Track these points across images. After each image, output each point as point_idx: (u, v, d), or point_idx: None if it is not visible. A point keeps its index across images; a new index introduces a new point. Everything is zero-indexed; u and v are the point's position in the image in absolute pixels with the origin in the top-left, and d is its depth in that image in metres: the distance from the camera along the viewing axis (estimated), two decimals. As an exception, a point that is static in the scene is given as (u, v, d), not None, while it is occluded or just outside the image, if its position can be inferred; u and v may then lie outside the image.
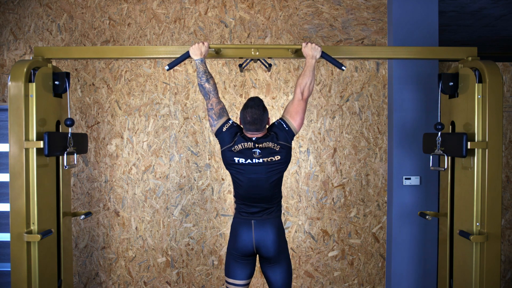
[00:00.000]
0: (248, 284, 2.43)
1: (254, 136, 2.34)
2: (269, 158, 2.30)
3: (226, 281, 2.42)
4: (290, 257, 2.49)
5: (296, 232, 3.51)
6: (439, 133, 2.53)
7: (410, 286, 3.41)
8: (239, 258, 2.37)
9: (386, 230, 3.50)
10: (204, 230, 3.52)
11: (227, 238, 3.46)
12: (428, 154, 2.67)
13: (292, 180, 3.51)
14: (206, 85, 2.36)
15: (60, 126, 2.66)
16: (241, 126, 2.38)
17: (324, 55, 2.47)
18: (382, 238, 3.52)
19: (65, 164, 2.56)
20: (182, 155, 3.51)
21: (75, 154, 2.59)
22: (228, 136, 2.34)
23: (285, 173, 3.39)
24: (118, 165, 3.50)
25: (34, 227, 2.39)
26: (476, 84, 2.40)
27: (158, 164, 3.51)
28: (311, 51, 2.42)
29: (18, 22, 3.54)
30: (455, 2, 3.80)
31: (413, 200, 3.38)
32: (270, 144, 2.31)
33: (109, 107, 3.51)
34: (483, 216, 2.37)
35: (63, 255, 2.66)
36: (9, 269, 2.45)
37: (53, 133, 2.44)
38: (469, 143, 2.35)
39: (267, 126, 2.41)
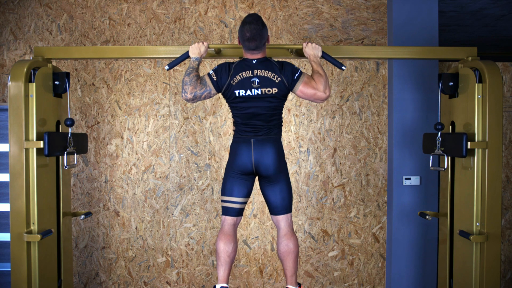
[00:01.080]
0: (245, 203, 2.39)
1: (254, 57, 2.31)
2: (267, 89, 2.26)
3: (222, 200, 2.37)
4: (289, 178, 2.46)
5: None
6: (439, 133, 2.53)
7: (410, 286, 3.41)
8: (238, 175, 2.34)
9: (386, 230, 3.51)
10: (204, 230, 3.52)
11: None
12: (428, 154, 2.67)
13: (292, 180, 3.51)
14: (186, 78, 2.32)
15: (60, 126, 2.66)
16: (240, 45, 2.34)
17: (324, 55, 2.47)
18: (382, 238, 3.52)
19: (65, 164, 2.56)
20: (182, 155, 3.51)
21: (75, 154, 2.59)
22: (223, 76, 2.30)
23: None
24: (118, 165, 3.51)
25: (34, 227, 2.39)
26: (476, 84, 2.40)
27: (158, 164, 3.51)
28: (312, 50, 2.41)
29: (18, 22, 3.54)
30: (455, 2, 3.80)
31: (413, 200, 3.38)
32: (270, 74, 2.27)
33: (109, 107, 3.51)
34: (483, 216, 2.37)
35: (63, 255, 2.66)
36: (9, 269, 2.45)
37: (53, 133, 2.44)
38: (469, 143, 2.35)
39: (280, 63, 2.34)
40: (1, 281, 3.58)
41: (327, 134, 3.51)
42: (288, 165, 3.48)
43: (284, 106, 2.42)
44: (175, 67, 3.24)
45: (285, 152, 3.40)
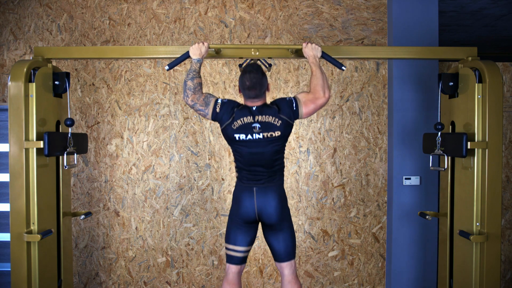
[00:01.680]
0: (248, 251, 2.40)
1: (254, 105, 2.31)
2: (269, 134, 2.27)
3: (226, 248, 2.39)
4: (293, 224, 2.47)
5: (296, 232, 3.51)
6: (439, 133, 2.53)
7: (410, 286, 3.41)
8: (241, 224, 2.35)
9: (386, 230, 3.50)
10: (204, 230, 3.52)
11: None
12: (428, 154, 2.67)
13: (292, 180, 3.51)
14: (189, 82, 2.33)
15: (60, 126, 2.66)
16: (240, 93, 2.36)
17: (324, 55, 2.47)
18: (382, 238, 3.52)
19: (65, 164, 2.56)
20: (182, 155, 3.51)
21: (75, 154, 2.59)
22: (225, 113, 2.31)
23: (285, 173, 3.39)
24: (118, 165, 3.51)
25: (34, 227, 2.39)
26: (476, 84, 2.40)
27: (158, 164, 3.51)
28: (312, 51, 2.42)
29: (18, 22, 3.54)
30: (455, 2, 3.80)
31: (413, 200, 3.38)
32: (271, 118, 2.28)
33: (109, 107, 3.51)
34: (483, 216, 2.37)
35: (63, 255, 2.66)
36: (9, 269, 2.45)
37: (53, 133, 2.44)
38: (469, 143, 2.35)
39: (274, 100, 2.38)
40: (1, 281, 3.58)
41: (327, 134, 3.51)
42: (288, 165, 3.49)
43: (285, 148, 2.43)
44: (175, 67, 3.24)
45: (285, 152, 3.41)
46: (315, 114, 3.50)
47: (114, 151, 3.50)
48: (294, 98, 2.34)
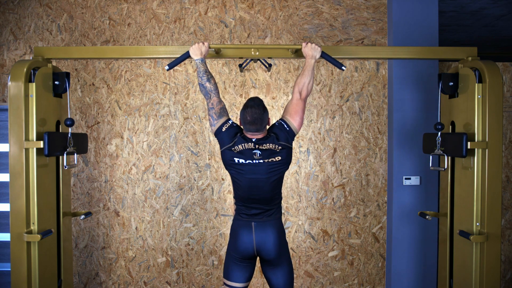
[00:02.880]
0: (246, 287, 2.41)
1: (254, 137, 2.33)
2: (270, 159, 2.29)
3: (225, 283, 2.40)
4: (290, 257, 2.48)
5: (296, 232, 3.51)
6: (439, 133, 2.53)
7: (410, 286, 3.41)
8: (239, 260, 2.35)
9: (386, 230, 3.50)
10: (204, 230, 3.52)
11: (227, 238, 3.46)
12: (428, 154, 2.67)
13: (292, 180, 3.51)
14: (207, 84, 2.36)
15: (60, 126, 2.66)
16: (241, 126, 2.37)
17: (324, 55, 2.47)
18: (382, 238, 3.52)
19: (65, 164, 2.56)
20: (182, 155, 3.51)
21: (75, 154, 2.59)
22: (227, 136, 2.33)
23: (285, 173, 3.38)
24: (118, 165, 3.50)
25: (34, 227, 2.39)
26: (476, 84, 2.40)
27: (158, 164, 3.51)
28: (311, 51, 2.42)
29: (18, 22, 3.54)
30: (455, 2, 3.80)
31: (413, 200, 3.38)
32: (271, 146, 2.30)
33: (109, 107, 3.51)
34: (483, 216, 2.37)
35: (63, 255, 2.66)
36: (9, 269, 2.45)
37: (53, 133, 2.44)
38: (469, 143, 2.35)
39: (267, 127, 2.40)
40: (1, 281, 3.58)
41: (327, 134, 3.51)
42: (288, 166, 3.48)
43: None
44: (175, 67, 3.24)
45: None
46: (315, 114, 3.50)
47: (114, 151, 3.50)
48: (281, 119, 2.38)
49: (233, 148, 2.31)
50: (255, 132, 2.32)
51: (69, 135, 2.54)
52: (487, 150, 2.36)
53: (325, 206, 3.52)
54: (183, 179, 3.51)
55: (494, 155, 2.37)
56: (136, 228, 3.51)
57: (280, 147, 2.30)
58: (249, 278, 2.40)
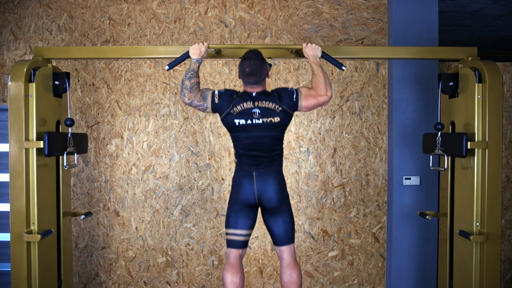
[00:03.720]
0: (249, 235, 2.41)
1: (254, 91, 2.33)
2: (268, 119, 2.29)
3: (227, 233, 2.39)
4: (291, 207, 2.49)
5: (296, 232, 3.51)
6: (439, 133, 2.53)
7: (410, 286, 3.41)
8: (241, 208, 2.36)
9: (386, 230, 3.51)
10: (204, 230, 3.52)
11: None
12: (428, 154, 2.67)
13: (292, 180, 3.51)
14: (187, 82, 2.34)
15: (60, 126, 2.66)
16: (239, 78, 2.38)
17: (324, 55, 2.47)
18: (382, 238, 3.52)
19: (65, 164, 2.56)
20: (182, 155, 3.51)
21: (75, 154, 2.60)
22: (224, 102, 2.33)
23: (285, 173, 3.39)
24: (118, 165, 3.51)
25: (34, 227, 2.39)
26: (476, 84, 2.40)
27: (158, 164, 3.51)
28: (312, 51, 2.42)
29: (18, 22, 3.54)
30: (455, 2, 3.80)
31: (413, 200, 3.38)
32: (270, 105, 2.30)
33: (109, 107, 3.51)
34: (483, 216, 2.37)
35: (63, 255, 2.66)
36: (9, 269, 2.45)
37: (53, 133, 2.44)
38: (469, 143, 2.35)
39: (274, 88, 2.39)
40: (1, 281, 3.58)
41: (327, 134, 3.51)
42: (288, 165, 3.49)
43: (284, 140, 2.45)
44: (175, 67, 3.24)
45: (285, 152, 3.41)
46: (315, 114, 3.50)
47: (114, 151, 3.50)
48: (296, 90, 2.37)
49: (232, 111, 2.31)
50: (254, 84, 2.32)
51: (69, 135, 2.54)
52: (487, 150, 2.36)
53: (325, 206, 3.52)
54: (183, 179, 3.51)
55: (494, 155, 2.37)
56: (136, 228, 3.51)
57: (280, 109, 2.30)
58: (251, 226, 2.41)
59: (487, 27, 4.60)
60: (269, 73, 2.43)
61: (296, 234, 3.51)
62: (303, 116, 3.50)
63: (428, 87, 3.34)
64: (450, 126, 2.66)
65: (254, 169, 2.35)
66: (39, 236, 2.34)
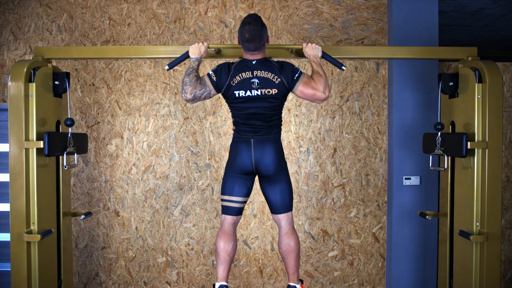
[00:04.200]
0: (244, 202, 2.40)
1: (254, 58, 2.31)
2: (266, 90, 2.26)
3: (222, 199, 2.38)
4: (290, 176, 2.48)
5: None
6: (439, 133, 2.53)
7: (410, 286, 3.41)
8: (238, 175, 2.35)
9: (386, 230, 3.51)
10: (204, 230, 3.52)
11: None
12: (428, 154, 2.67)
13: (292, 180, 3.50)
14: (186, 78, 2.32)
15: (60, 126, 2.66)
16: (239, 44, 2.35)
17: (324, 55, 2.47)
18: (382, 238, 3.52)
19: (65, 164, 2.56)
20: (182, 155, 3.51)
21: (75, 154, 2.59)
22: (222, 76, 2.30)
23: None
24: (118, 165, 3.50)
25: (34, 227, 2.39)
26: (476, 84, 2.40)
27: (158, 164, 3.51)
28: (312, 51, 2.42)
29: (18, 22, 3.54)
30: (455, 2, 3.80)
31: (413, 200, 3.38)
32: (269, 75, 2.27)
33: (109, 107, 3.51)
34: (483, 216, 2.37)
35: (63, 255, 2.66)
36: (9, 269, 2.45)
37: (53, 133, 2.44)
38: (469, 143, 2.35)
39: (280, 62, 2.35)
40: (1, 281, 3.58)
41: (327, 134, 3.51)
42: (288, 165, 3.48)
43: (284, 106, 2.43)
44: (175, 67, 3.24)
45: (285, 152, 3.40)
46: (315, 114, 3.50)
47: (114, 151, 3.51)
48: (300, 71, 2.33)
49: (231, 82, 2.29)
50: (254, 50, 2.29)
51: (69, 135, 2.54)
52: (487, 150, 2.36)
53: (325, 206, 3.52)
54: (183, 179, 3.51)
55: (494, 155, 2.37)
56: (136, 228, 3.51)
57: (279, 80, 2.27)
58: (247, 194, 2.39)
59: (487, 27, 4.60)
60: (269, 38, 2.39)
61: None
62: (303, 116, 3.50)
63: (428, 87, 3.34)
64: (450, 126, 2.66)
65: (252, 136, 2.33)
66: (39, 236, 2.34)
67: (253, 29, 2.25)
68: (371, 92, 3.50)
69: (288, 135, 3.50)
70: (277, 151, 2.35)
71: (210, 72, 2.34)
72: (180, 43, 3.52)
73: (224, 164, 3.49)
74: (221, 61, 3.50)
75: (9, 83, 2.39)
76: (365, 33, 3.51)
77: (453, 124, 2.64)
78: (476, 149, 2.36)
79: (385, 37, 3.51)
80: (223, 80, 2.30)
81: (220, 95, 2.44)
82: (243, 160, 2.33)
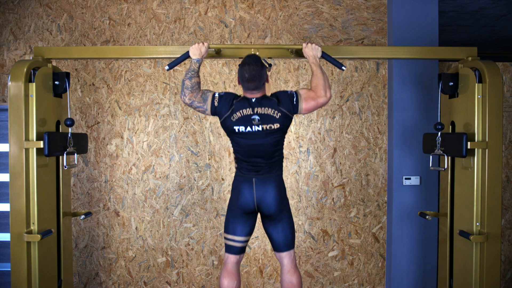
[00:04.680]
0: (247, 241, 2.42)
1: (254, 96, 2.32)
2: (268, 126, 2.28)
3: (225, 238, 2.40)
4: (292, 214, 2.50)
5: (296, 232, 3.51)
6: (439, 133, 2.53)
7: (410, 286, 3.41)
8: (240, 214, 2.36)
9: (386, 230, 3.51)
10: (204, 230, 3.52)
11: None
12: (428, 154, 2.67)
13: (292, 180, 3.51)
14: (187, 82, 2.33)
15: (60, 126, 2.66)
16: (239, 84, 2.37)
17: (324, 55, 2.47)
18: (382, 238, 3.52)
19: (65, 164, 2.56)
20: (182, 155, 3.51)
21: (75, 154, 2.60)
22: (224, 106, 2.32)
23: (285, 173, 3.39)
24: (118, 165, 3.50)
25: (34, 227, 2.39)
26: (476, 84, 2.40)
27: (158, 164, 3.51)
28: (312, 51, 2.42)
29: (18, 22, 3.54)
30: (455, 2, 3.80)
31: (413, 200, 3.38)
32: (270, 111, 2.29)
33: (109, 107, 3.51)
34: (483, 216, 2.37)
35: (63, 255, 2.66)
36: (9, 269, 2.45)
37: (53, 133, 2.44)
38: (469, 143, 2.35)
39: (275, 91, 2.38)
40: (1, 281, 3.59)
41: (327, 134, 3.51)
42: (288, 165, 3.49)
43: (285, 140, 2.45)
44: (175, 67, 3.24)
45: (285, 152, 3.41)
46: (315, 114, 3.50)
47: (114, 151, 3.50)
48: (296, 92, 2.35)
49: (231, 117, 2.30)
50: (253, 90, 2.31)
51: (69, 135, 2.54)
52: (487, 150, 2.36)
53: (325, 206, 3.52)
54: (183, 179, 3.51)
55: (494, 155, 2.37)
56: (136, 228, 3.51)
57: (279, 114, 2.29)
58: (249, 233, 2.41)
59: (487, 27, 4.60)
60: (269, 78, 2.42)
61: (296, 234, 3.51)
62: (303, 116, 3.50)
63: (428, 87, 3.34)
64: (450, 126, 2.66)
65: (254, 175, 2.35)
66: (39, 236, 2.34)
67: (252, 69, 2.27)
68: (371, 92, 3.50)
69: (288, 135, 3.50)
70: (278, 190, 2.36)
71: (216, 95, 2.35)
72: (180, 43, 3.52)
73: (224, 164, 3.50)
74: (221, 61, 3.50)
75: (9, 83, 2.39)
76: (365, 33, 3.51)
77: (453, 124, 2.64)
78: (476, 149, 2.36)
79: (385, 37, 3.51)
80: (223, 111, 2.32)
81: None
82: (245, 199, 2.35)
